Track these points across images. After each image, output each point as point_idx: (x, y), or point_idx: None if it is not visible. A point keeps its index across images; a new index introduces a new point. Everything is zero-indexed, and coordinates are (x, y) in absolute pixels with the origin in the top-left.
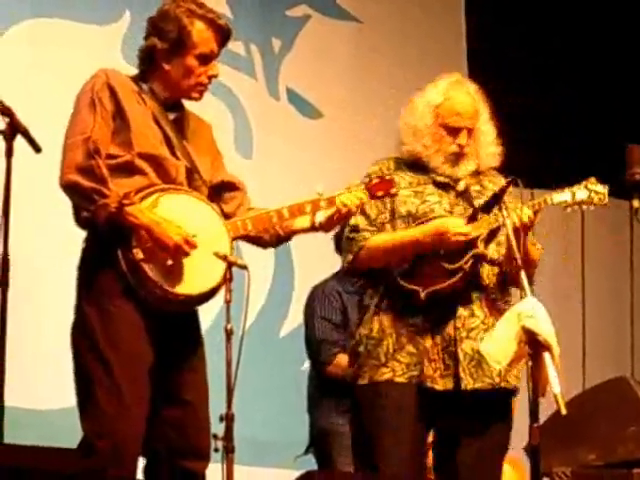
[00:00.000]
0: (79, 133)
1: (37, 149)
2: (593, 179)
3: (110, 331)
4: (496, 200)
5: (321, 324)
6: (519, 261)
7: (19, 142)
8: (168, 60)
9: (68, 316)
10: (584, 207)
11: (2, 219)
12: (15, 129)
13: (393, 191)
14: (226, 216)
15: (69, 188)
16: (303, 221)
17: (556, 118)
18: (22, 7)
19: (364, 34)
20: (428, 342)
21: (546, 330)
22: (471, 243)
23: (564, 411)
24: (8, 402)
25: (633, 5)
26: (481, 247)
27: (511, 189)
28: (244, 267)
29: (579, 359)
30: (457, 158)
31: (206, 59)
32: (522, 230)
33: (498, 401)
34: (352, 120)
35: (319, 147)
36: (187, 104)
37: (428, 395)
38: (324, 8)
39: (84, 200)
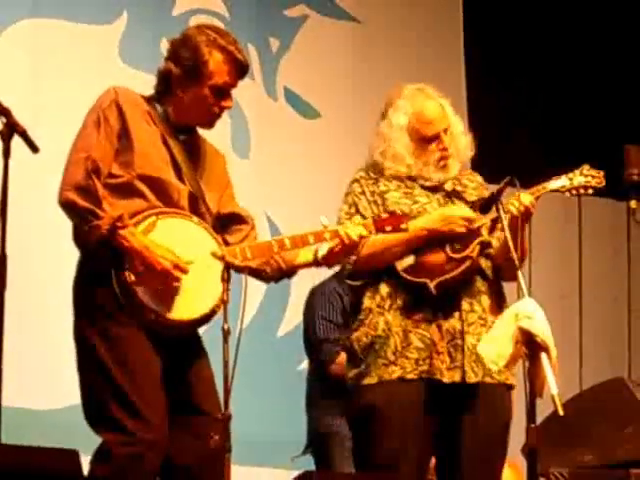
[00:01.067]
0: (82, 150)
1: (35, 149)
2: (587, 165)
3: (117, 353)
4: (493, 200)
5: (322, 324)
6: (516, 261)
7: (16, 142)
8: (182, 87)
9: (66, 316)
10: (582, 191)
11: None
12: (12, 129)
13: (403, 227)
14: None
15: (66, 206)
16: (306, 255)
17: (553, 118)
18: (19, 7)
19: (362, 34)
20: (435, 335)
21: (543, 331)
22: (476, 231)
23: (561, 412)
24: (6, 402)
25: (631, 3)
26: (485, 234)
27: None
28: (242, 268)
29: (576, 360)
30: (445, 161)
31: (220, 91)
32: (523, 218)
33: (496, 395)
34: (350, 120)
35: (317, 147)
36: None
37: (436, 388)
38: (322, 8)
39: (78, 219)
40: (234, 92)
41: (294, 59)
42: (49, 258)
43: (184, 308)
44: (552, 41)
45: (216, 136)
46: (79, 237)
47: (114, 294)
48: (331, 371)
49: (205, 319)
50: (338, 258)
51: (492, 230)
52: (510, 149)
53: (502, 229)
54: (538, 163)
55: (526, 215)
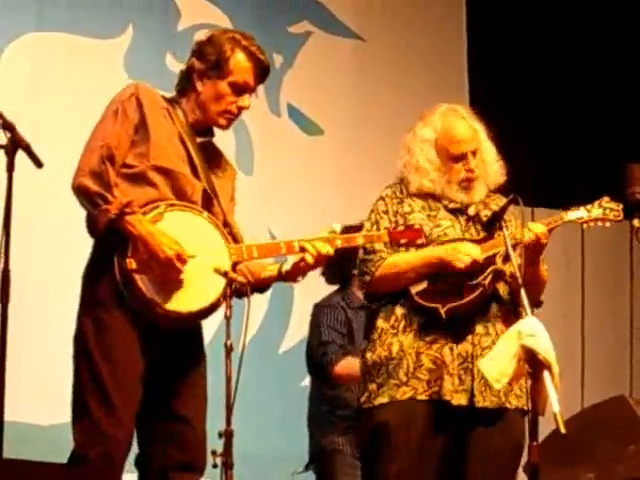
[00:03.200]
0: (99, 139)
1: (39, 164)
2: (607, 198)
3: (103, 340)
4: (497, 218)
5: (328, 330)
6: (519, 279)
7: (20, 157)
8: (202, 80)
9: (69, 330)
10: (599, 224)
11: (3, 233)
12: (17, 144)
13: (420, 242)
14: None
15: (79, 190)
16: (272, 269)
17: (556, 136)
18: (25, 21)
19: (365, 52)
20: (447, 357)
21: (546, 349)
22: (490, 259)
23: (563, 430)
24: (9, 417)
25: (633, 17)
26: (499, 263)
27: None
28: (244, 284)
29: (578, 378)
30: (470, 183)
31: (239, 89)
32: (532, 247)
33: (503, 420)
34: (353, 137)
35: (319, 164)
36: None
37: (446, 410)
38: (326, 25)
39: (89, 203)
40: None
41: (297, 76)
42: (52, 272)
43: (183, 300)
44: (555, 57)
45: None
46: (91, 224)
47: (114, 284)
48: (334, 373)
49: (203, 314)
50: (303, 273)
51: (508, 258)
52: (513, 167)
53: (505, 246)
54: (541, 182)
55: (535, 245)
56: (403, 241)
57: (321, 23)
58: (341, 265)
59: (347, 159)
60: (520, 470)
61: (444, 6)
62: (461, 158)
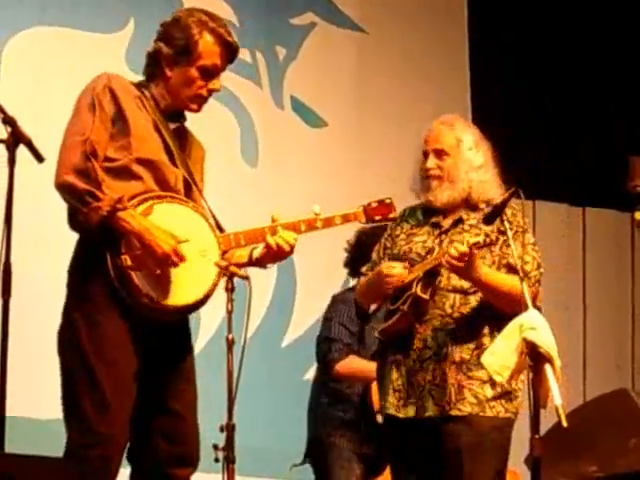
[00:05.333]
0: (77, 134)
1: (40, 159)
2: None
3: (95, 338)
4: (497, 212)
5: (337, 328)
6: (521, 273)
7: (22, 151)
8: (171, 66)
9: None
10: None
11: (4, 228)
12: (18, 139)
13: (391, 216)
14: None
15: (64, 188)
16: (241, 254)
17: (557, 129)
18: (27, 15)
19: (368, 44)
20: (394, 375)
21: (547, 342)
22: (409, 285)
23: (565, 423)
24: (10, 412)
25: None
26: (416, 289)
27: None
28: (245, 278)
29: (580, 371)
30: (427, 181)
31: (208, 73)
32: (462, 262)
33: (448, 430)
34: (356, 129)
35: (323, 156)
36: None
37: (394, 425)
38: (330, 16)
39: (77, 201)
40: (244, 101)
41: (301, 68)
42: (54, 268)
43: (178, 294)
44: (558, 49)
45: (225, 143)
46: (76, 221)
47: (106, 280)
48: (335, 371)
49: (197, 305)
50: (272, 261)
51: (428, 282)
52: (514, 160)
53: (506, 241)
54: (542, 174)
55: (458, 267)
56: (377, 217)
57: (325, 14)
58: (362, 259)
59: (350, 151)
60: (522, 463)
61: None
62: (426, 156)
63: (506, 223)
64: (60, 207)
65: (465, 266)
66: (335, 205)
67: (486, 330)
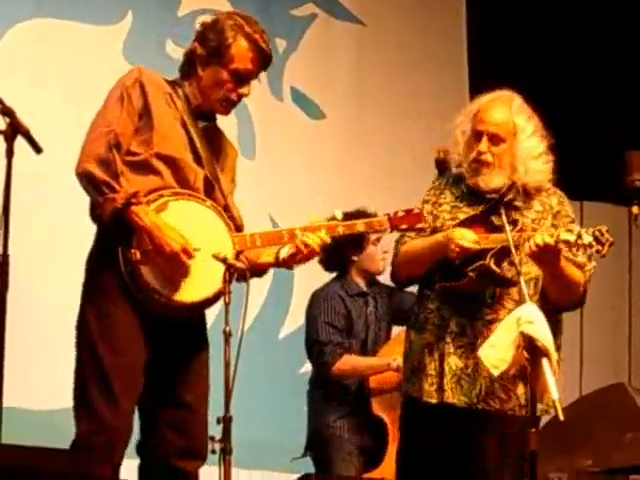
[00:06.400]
0: (104, 125)
1: (38, 150)
2: (604, 228)
3: (106, 329)
4: (496, 204)
5: (324, 328)
6: (518, 267)
7: (20, 142)
8: (203, 67)
9: (67, 316)
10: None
11: (2, 219)
12: (16, 130)
13: (419, 226)
14: None
15: (84, 177)
16: (268, 255)
17: (555, 123)
18: (24, 7)
19: (367, 37)
20: (427, 359)
21: (544, 336)
22: (482, 254)
23: (562, 417)
24: (7, 403)
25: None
26: (489, 261)
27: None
28: (244, 270)
29: (577, 365)
30: (478, 167)
31: (240, 77)
32: (536, 257)
33: (474, 422)
34: (356, 121)
35: (322, 148)
36: None
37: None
38: (330, 8)
39: (94, 191)
40: None
41: (301, 59)
42: (51, 258)
43: (188, 290)
44: (557, 45)
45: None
46: (95, 211)
47: (118, 273)
48: (332, 373)
49: (208, 303)
50: (300, 262)
51: (501, 258)
52: None
53: (504, 232)
54: None
55: (535, 255)
56: (403, 226)
57: (325, 6)
58: (339, 252)
59: (349, 143)
60: None
61: None
62: (480, 137)
63: (504, 216)
64: (58, 198)
65: (549, 257)
66: (333, 197)
67: None
